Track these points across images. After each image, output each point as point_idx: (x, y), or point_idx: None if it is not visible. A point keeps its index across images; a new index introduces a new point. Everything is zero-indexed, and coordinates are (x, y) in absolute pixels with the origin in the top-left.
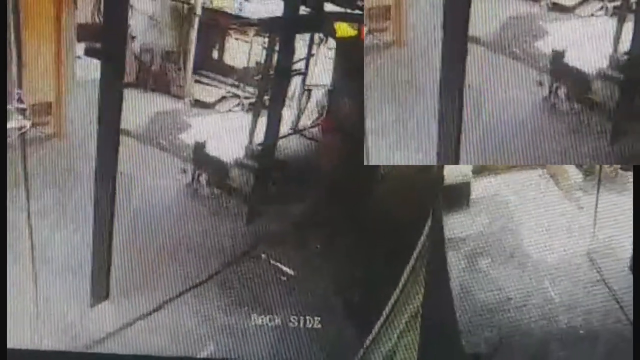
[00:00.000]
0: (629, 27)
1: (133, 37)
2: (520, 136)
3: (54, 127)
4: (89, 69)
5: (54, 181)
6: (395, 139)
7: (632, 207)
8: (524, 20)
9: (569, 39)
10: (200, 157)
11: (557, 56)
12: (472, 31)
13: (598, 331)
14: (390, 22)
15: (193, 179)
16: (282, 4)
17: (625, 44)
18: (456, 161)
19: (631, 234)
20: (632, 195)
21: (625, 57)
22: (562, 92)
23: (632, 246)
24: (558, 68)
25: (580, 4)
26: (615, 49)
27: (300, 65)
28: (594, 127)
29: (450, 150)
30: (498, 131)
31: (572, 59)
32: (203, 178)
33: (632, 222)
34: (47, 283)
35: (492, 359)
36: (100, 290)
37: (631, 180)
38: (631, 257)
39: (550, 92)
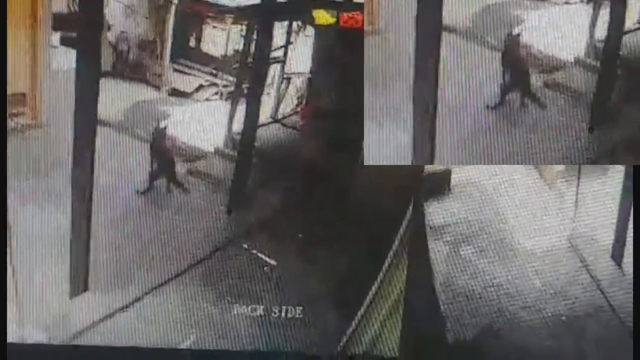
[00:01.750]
0: (605, 14)
1: (109, 26)
2: (498, 129)
3: (29, 118)
4: (65, 59)
5: (31, 173)
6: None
7: (614, 194)
8: (498, 8)
9: (544, 27)
10: (178, 146)
11: (533, 44)
12: (446, 20)
13: (580, 318)
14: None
15: (172, 168)
16: None
17: (601, 31)
18: (431, 160)
19: (613, 221)
20: (613, 182)
21: (602, 44)
22: (539, 81)
23: (614, 233)
24: (534, 57)
25: None
26: (592, 36)
27: (278, 53)
28: (572, 115)
29: (424, 149)
30: (474, 125)
31: (548, 47)
32: (182, 168)
33: (614, 209)
34: (25, 275)
35: (475, 347)
36: (80, 282)
37: (611, 166)
38: (612, 244)
39: (525, 81)
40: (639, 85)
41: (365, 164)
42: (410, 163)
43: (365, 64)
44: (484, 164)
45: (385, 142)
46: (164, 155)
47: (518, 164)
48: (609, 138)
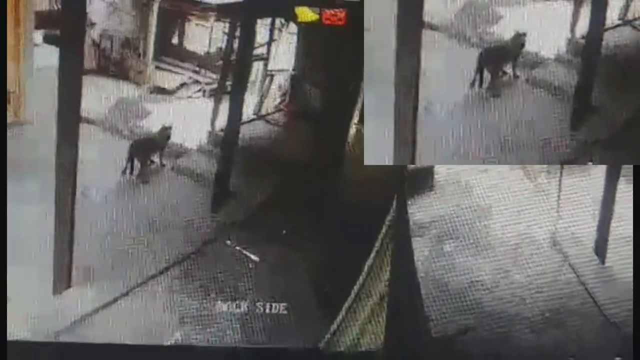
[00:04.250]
0: (586, 11)
1: (92, 24)
2: (479, 127)
3: (12, 116)
4: (48, 57)
5: (14, 171)
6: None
7: (596, 190)
8: (478, 5)
9: (525, 24)
10: (162, 144)
11: (514, 41)
12: (426, 17)
13: (564, 313)
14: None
15: (155, 165)
16: None
17: (582, 28)
18: (412, 161)
19: (596, 217)
20: (595, 179)
21: (583, 40)
22: (520, 78)
23: (596, 229)
24: (515, 53)
25: None
26: (573, 33)
27: (262, 51)
28: (554, 113)
29: (406, 149)
30: (455, 123)
31: (529, 44)
32: (166, 165)
33: (597, 205)
34: (8, 272)
35: (459, 343)
36: (63, 279)
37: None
38: (596, 239)
39: (506, 78)
40: (620, 82)
41: (365, 163)
42: (391, 163)
43: (365, 64)
44: (465, 164)
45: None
46: (162, 153)
47: (499, 164)
48: (590, 134)
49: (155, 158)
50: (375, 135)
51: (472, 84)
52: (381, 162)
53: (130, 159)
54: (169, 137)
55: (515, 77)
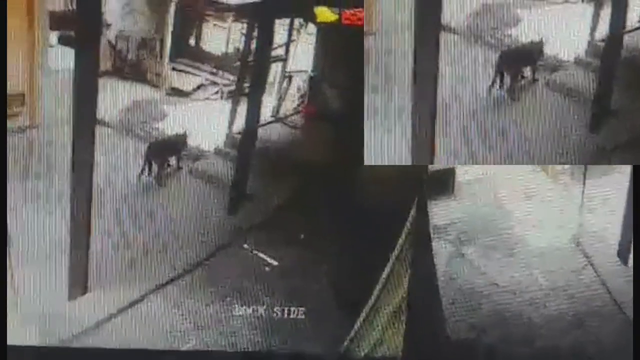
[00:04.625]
0: (605, 13)
1: (108, 25)
2: (498, 129)
3: (28, 118)
4: (64, 58)
5: (30, 173)
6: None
7: (621, 192)
8: (497, 7)
9: (544, 27)
10: (179, 147)
11: (534, 45)
12: (444, 20)
13: (585, 315)
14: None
15: (171, 169)
16: None
17: (602, 31)
18: (431, 161)
19: (620, 218)
20: (619, 180)
21: (602, 43)
22: (540, 81)
23: (620, 231)
24: (534, 56)
25: None
26: (592, 36)
27: (280, 51)
28: (574, 115)
29: (424, 149)
30: (474, 125)
31: (549, 47)
32: (183, 168)
33: (621, 206)
34: (24, 277)
35: (478, 346)
36: (79, 284)
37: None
38: (619, 241)
39: (525, 80)
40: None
41: (365, 164)
42: (410, 163)
43: (365, 65)
44: (484, 164)
45: (386, 143)
46: (178, 155)
47: (519, 164)
48: (610, 138)
49: (173, 161)
50: (375, 135)
51: (492, 86)
52: (380, 162)
53: (148, 161)
54: (186, 141)
55: (535, 80)
